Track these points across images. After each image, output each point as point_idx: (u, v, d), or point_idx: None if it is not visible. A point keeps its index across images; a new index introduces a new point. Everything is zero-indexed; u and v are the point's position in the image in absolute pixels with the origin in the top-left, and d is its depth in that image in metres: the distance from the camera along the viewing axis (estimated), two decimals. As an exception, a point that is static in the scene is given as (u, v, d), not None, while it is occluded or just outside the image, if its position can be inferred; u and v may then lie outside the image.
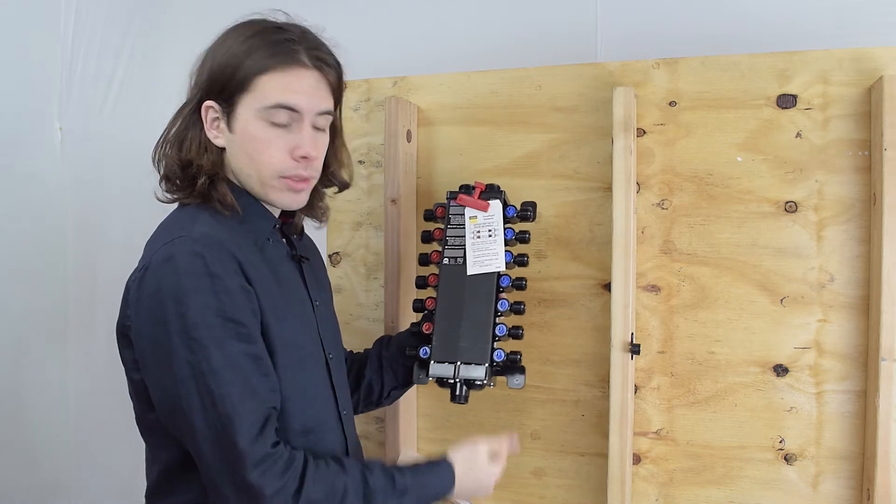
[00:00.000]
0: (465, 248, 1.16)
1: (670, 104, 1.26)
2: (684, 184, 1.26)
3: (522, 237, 1.17)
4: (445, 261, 1.17)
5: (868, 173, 1.17)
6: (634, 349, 1.20)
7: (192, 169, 0.95)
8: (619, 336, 1.20)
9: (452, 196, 1.19)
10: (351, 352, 1.28)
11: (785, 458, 1.21)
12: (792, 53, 1.21)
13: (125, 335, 0.92)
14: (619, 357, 1.20)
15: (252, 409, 0.86)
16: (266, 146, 0.94)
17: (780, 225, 1.22)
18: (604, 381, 1.27)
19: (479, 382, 1.11)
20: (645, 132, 1.27)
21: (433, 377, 1.13)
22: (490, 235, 1.15)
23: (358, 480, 0.91)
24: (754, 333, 1.22)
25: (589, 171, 1.31)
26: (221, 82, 0.93)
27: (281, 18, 0.98)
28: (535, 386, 1.32)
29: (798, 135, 1.21)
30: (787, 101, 1.21)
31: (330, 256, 1.47)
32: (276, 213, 1.02)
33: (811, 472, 1.20)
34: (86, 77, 1.91)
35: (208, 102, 0.94)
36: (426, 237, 1.22)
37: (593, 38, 1.51)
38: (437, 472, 1.00)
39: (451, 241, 1.18)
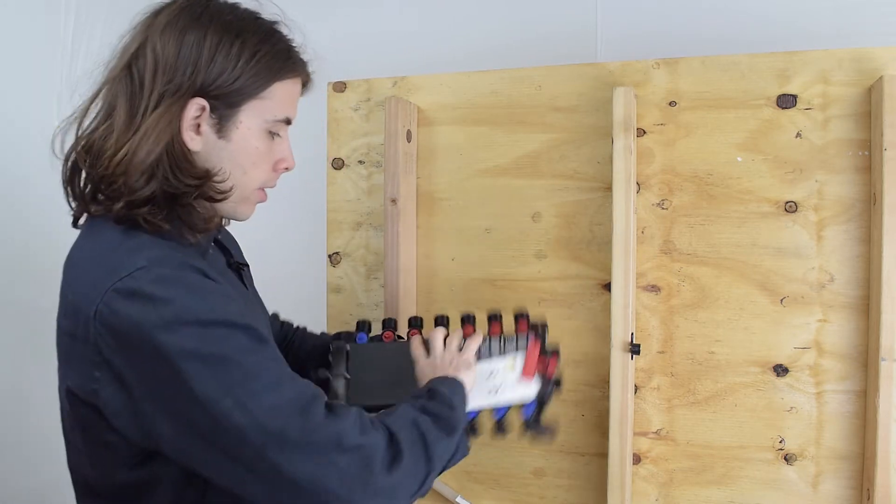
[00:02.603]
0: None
1: (670, 104, 1.26)
2: (684, 184, 1.26)
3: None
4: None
5: (868, 173, 1.17)
6: (634, 349, 1.20)
7: (179, 185, 0.79)
8: (619, 336, 1.20)
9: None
10: (291, 325, 1.22)
11: (785, 458, 1.21)
12: (792, 53, 1.21)
13: (83, 400, 0.77)
14: (619, 357, 1.20)
15: (312, 393, 0.76)
16: (262, 159, 0.85)
17: (780, 225, 1.22)
18: (604, 381, 1.27)
19: None
20: (645, 132, 1.27)
21: None
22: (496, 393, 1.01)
23: (417, 411, 0.84)
24: (754, 333, 1.22)
25: (589, 171, 1.31)
26: (230, 83, 0.80)
27: (251, 5, 0.87)
28: (535, 386, 1.33)
29: (798, 135, 1.21)
30: (787, 101, 1.21)
31: (330, 256, 1.47)
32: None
33: (811, 472, 1.20)
34: (86, 77, 1.91)
35: (199, 101, 0.79)
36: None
37: (593, 38, 1.51)
38: (456, 389, 0.92)
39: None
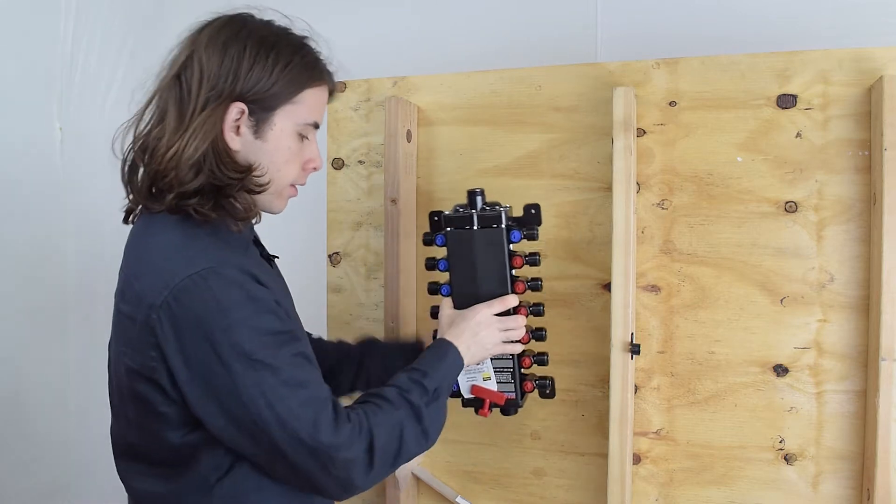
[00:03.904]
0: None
1: (670, 104, 1.26)
2: (684, 184, 1.26)
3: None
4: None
5: (868, 173, 1.17)
6: (634, 349, 1.20)
7: (223, 178, 0.91)
8: (619, 336, 1.20)
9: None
10: (329, 341, 1.28)
11: (785, 458, 1.21)
12: (792, 53, 1.21)
13: (145, 376, 0.88)
14: (619, 357, 1.20)
15: (324, 399, 0.89)
16: (293, 158, 0.97)
17: (780, 225, 1.22)
18: (604, 381, 1.27)
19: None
20: (645, 132, 1.27)
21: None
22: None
23: (406, 408, 0.96)
24: (754, 333, 1.22)
25: (589, 171, 1.31)
26: (266, 88, 0.91)
27: (282, 22, 0.97)
28: (535, 386, 1.33)
29: (798, 135, 1.21)
30: (787, 101, 1.21)
31: (330, 256, 1.47)
32: None
33: (811, 472, 1.20)
34: (86, 77, 1.91)
35: (239, 105, 0.91)
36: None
37: (593, 38, 1.51)
38: (448, 357, 1.05)
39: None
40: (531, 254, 1.14)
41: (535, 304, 1.15)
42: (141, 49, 1.88)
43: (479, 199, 1.12)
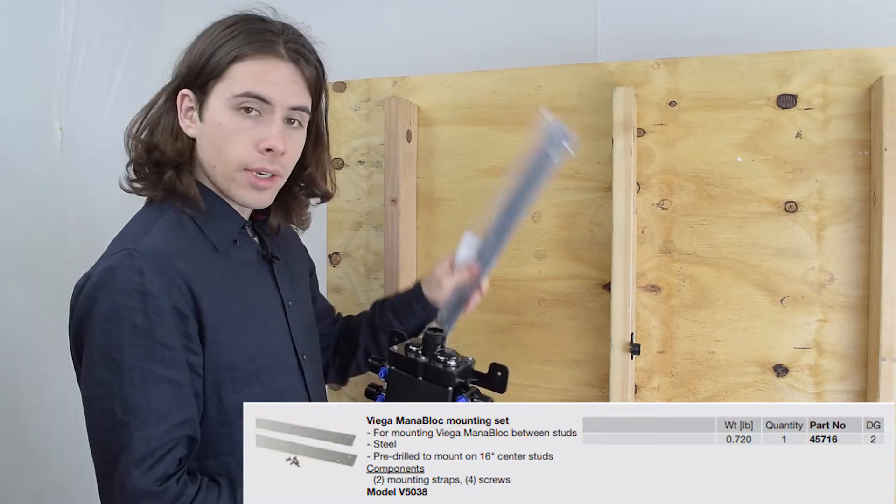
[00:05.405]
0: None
1: (670, 104, 1.26)
2: (684, 184, 1.26)
3: None
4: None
5: (868, 173, 1.17)
6: (634, 349, 1.20)
7: (156, 154, 0.93)
8: (619, 336, 1.20)
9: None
10: (347, 315, 1.25)
11: (785, 458, 1.21)
12: (792, 53, 1.21)
13: (71, 345, 0.92)
14: (619, 357, 1.20)
15: (154, 437, 0.82)
16: (233, 136, 0.90)
17: (780, 225, 1.22)
18: (604, 381, 1.27)
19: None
20: (645, 132, 1.27)
21: None
22: None
23: None
24: (754, 333, 1.22)
25: (589, 171, 1.31)
26: (197, 69, 0.91)
27: (268, 14, 0.96)
28: (535, 386, 1.32)
29: (798, 135, 1.21)
30: (787, 101, 1.21)
31: (330, 256, 1.47)
32: (246, 213, 0.99)
33: (811, 472, 1.20)
34: (86, 77, 1.91)
35: (184, 91, 0.92)
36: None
37: (593, 38, 1.51)
38: None
39: None
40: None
41: None
42: (141, 49, 1.88)
43: (436, 345, 0.92)
